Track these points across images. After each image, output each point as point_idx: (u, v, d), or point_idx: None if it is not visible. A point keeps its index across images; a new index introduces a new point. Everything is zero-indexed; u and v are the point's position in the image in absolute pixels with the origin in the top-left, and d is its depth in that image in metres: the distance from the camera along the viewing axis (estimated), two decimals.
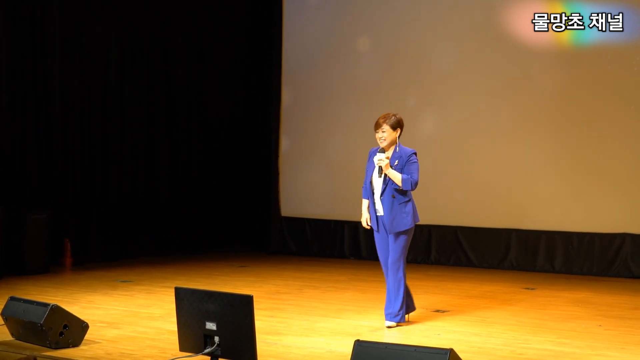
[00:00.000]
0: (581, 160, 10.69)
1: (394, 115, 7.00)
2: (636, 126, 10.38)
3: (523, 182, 10.99)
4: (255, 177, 13.43)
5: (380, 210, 7.07)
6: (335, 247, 12.19)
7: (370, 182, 7.11)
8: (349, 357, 5.10)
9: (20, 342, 6.47)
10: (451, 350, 4.76)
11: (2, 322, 6.65)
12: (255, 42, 13.43)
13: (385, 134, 6.94)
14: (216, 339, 5.55)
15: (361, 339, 5.29)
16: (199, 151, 12.83)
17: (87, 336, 6.45)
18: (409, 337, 6.84)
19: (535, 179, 10.93)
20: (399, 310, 7.12)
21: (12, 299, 6.62)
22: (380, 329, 7.16)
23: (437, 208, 11.44)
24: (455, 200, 11.33)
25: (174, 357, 5.87)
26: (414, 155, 6.99)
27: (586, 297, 8.96)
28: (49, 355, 6.11)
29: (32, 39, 10.64)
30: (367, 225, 7.16)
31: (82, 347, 6.34)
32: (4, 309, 6.60)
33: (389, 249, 7.11)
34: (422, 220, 11.56)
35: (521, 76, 10.96)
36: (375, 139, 7.08)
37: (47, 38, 10.77)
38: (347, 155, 11.82)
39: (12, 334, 6.58)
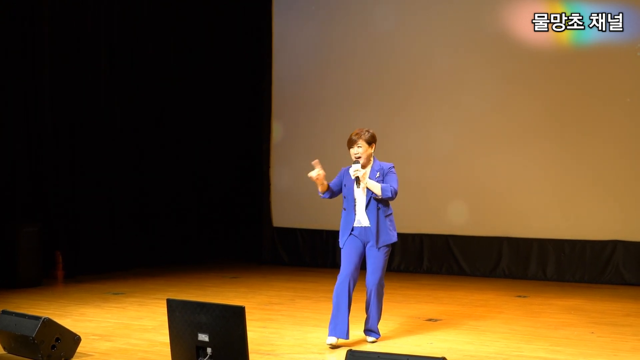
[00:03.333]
0: (573, 167, 10.70)
1: (367, 130, 6.87)
2: (632, 130, 10.40)
3: (515, 190, 11.00)
4: (247, 188, 13.44)
5: (364, 222, 6.97)
6: (327, 257, 12.17)
7: (353, 196, 7.00)
8: None
9: (12, 355, 6.45)
10: (443, 359, 4.76)
11: None
12: (246, 53, 13.47)
13: (361, 150, 6.82)
14: (208, 350, 5.54)
15: (354, 348, 5.29)
16: (190, 163, 12.83)
17: (79, 349, 6.43)
18: (401, 347, 6.84)
19: (526, 187, 10.94)
20: (378, 325, 7.13)
21: (3, 312, 6.59)
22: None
23: (429, 217, 11.46)
24: (447, 209, 11.33)
25: None
26: (393, 167, 6.96)
27: (578, 305, 8.98)
28: None
29: (21, 53, 10.63)
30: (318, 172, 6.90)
31: None
32: None
33: (371, 264, 7.01)
34: (414, 229, 11.72)
35: (520, 77, 10.96)
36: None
37: (37, 50, 10.77)
38: (339, 165, 11.76)
39: (3, 348, 6.56)
